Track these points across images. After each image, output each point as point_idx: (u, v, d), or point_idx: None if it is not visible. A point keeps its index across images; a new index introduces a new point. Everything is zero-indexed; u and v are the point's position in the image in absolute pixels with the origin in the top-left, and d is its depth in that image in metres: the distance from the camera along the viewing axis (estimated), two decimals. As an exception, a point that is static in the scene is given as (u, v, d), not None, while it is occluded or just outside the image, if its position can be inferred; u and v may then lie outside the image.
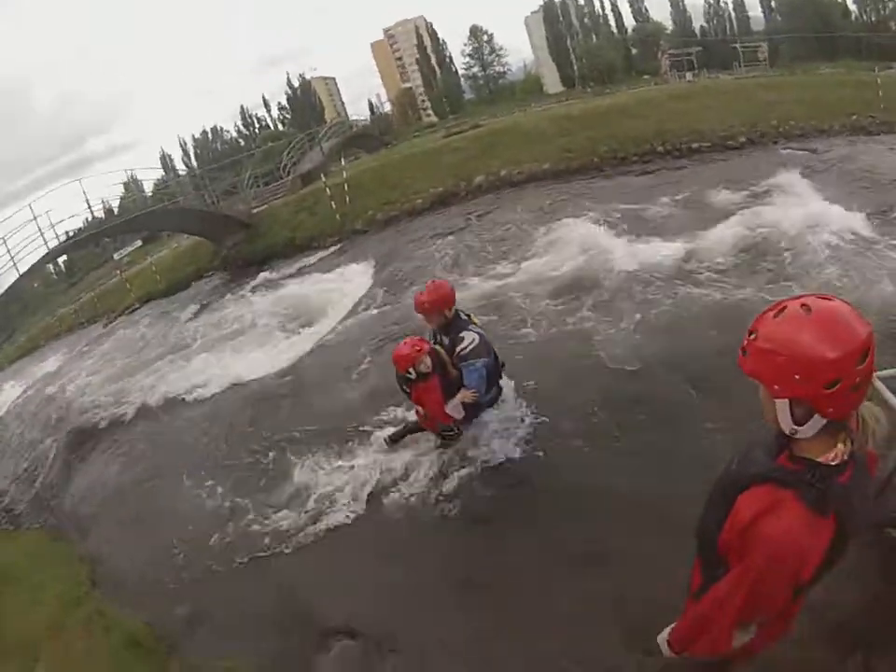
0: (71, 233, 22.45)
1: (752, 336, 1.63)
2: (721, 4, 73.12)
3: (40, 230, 17.66)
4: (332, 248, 17.81)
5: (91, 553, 6.48)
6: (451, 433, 5.44)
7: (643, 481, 4.64)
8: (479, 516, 4.84)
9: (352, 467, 5.83)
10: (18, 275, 17.49)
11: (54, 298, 50.13)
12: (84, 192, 20.40)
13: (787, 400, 1.61)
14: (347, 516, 5.25)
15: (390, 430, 6.04)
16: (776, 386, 1.59)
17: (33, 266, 18.01)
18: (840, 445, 1.64)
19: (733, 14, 73.18)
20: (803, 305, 1.56)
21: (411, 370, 5.00)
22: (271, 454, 6.83)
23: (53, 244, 18.08)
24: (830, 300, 1.59)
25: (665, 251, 9.28)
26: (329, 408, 7.37)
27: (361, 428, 6.42)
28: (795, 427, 1.63)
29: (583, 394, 5.98)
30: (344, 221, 18.81)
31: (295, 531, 5.30)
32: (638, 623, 3.42)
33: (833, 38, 59.50)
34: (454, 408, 5.09)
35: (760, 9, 71.85)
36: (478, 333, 5.15)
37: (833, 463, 1.63)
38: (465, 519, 4.88)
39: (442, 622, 4.04)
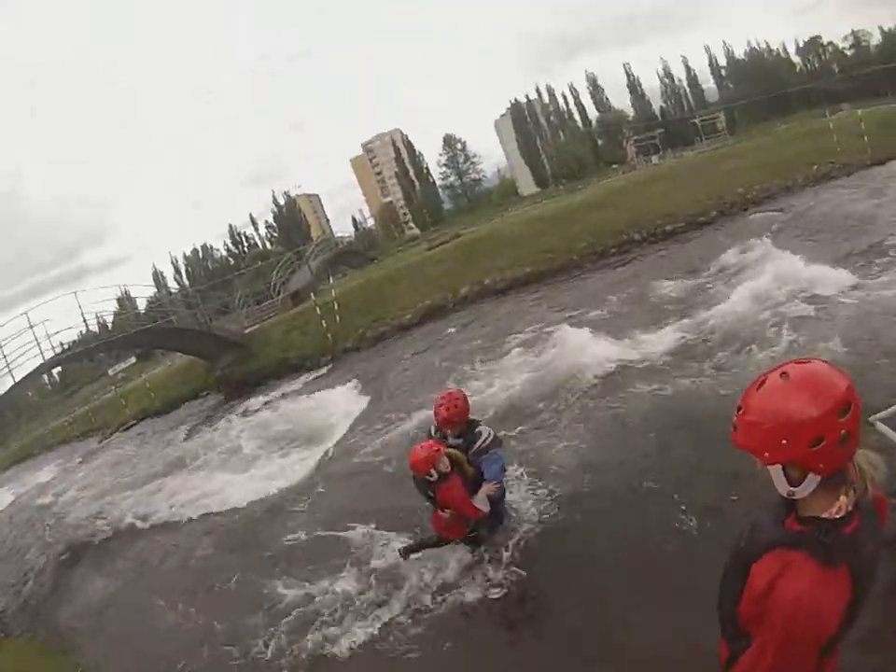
0: (66, 345, 23.07)
1: (741, 411, 1.69)
2: (676, 81, 77.36)
3: (36, 339, 17.99)
4: (324, 368, 18.08)
5: (83, 664, 6.54)
6: (475, 534, 5.43)
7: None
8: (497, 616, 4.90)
9: (343, 589, 5.80)
10: (13, 382, 17.67)
11: (48, 408, 50.14)
12: (79, 305, 20.78)
13: (779, 466, 1.66)
14: (341, 640, 5.19)
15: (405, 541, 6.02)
16: (766, 454, 1.65)
17: (29, 374, 18.23)
18: (842, 497, 1.67)
19: (688, 90, 77.28)
20: (782, 374, 1.64)
21: (431, 471, 5.00)
22: (256, 578, 6.79)
23: (49, 354, 18.45)
24: (807, 362, 1.67)
25: (643, 346, 9.58)
26: (319, 531, 7.38)
27: (354, 553, 6.43)
28: (792, 490, 1.67)
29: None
30: (335, 340, 19.18)
31: (281, 657, 5.28)
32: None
33: (782, 95, 62.82)
34: (481, 501, 5.12)
35: (712, 81, 76.60)
36: (489, 428, 5.44)
37: (837, 516, 1.66)
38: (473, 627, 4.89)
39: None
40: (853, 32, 70.06)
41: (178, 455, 14.20)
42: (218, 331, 22.86)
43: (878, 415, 3.97)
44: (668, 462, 6.07)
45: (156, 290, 66.21)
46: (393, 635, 5.05)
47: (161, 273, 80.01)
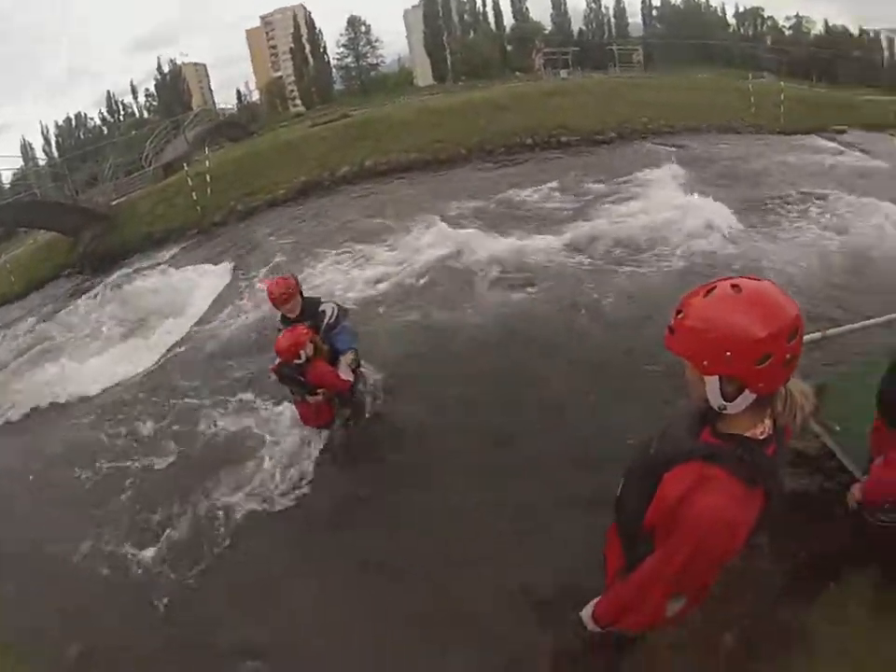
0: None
1: (680, 315, 1.64)
2: (603, 9, 75.19)
3: None
4: (191, 241, 17.29)
5: None
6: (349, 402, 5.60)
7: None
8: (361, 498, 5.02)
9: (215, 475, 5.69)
10: None
11: None
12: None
13: (717, 377, 1.62)
14: (218, 529, 5.10)
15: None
16: (705, 363, 1.61)
17: None
18: (767, 420, 1.69)
19: (612, 20, 75.27)
20: (733, 286, 1.59)
21: (301, 353, 4.94)
22: (126, 467, 6.45)
23: None
24: (759, 280, 1.63)
25: (527, 244, 9.69)
26: (186, 414, 7.08)
27: (224, 430, 6.37)
28: (725, 403, 1.65)
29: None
30: (204, 213, 18.30)
31: (168, 549, 5.07)
32: (550, 598, 3.72)
33: (708, 46, 62.77)
34: (345, 372, 5.19)
35: (640, 17, 74.85)
36: (331, 302, 5.44)
37: (760, 437, 1.68)
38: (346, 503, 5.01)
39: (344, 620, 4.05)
40: (797, 15, 69.91)
41: (32, 341, 13.23)
42: (84, 204, 21.26)
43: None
44: (529, 358, 6.18)
45: (23, 164, 61.02)
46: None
47: (30, 144, 72.69)
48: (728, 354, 1.55)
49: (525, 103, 21.59)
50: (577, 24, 75.69)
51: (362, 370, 5.77)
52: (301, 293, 5.35)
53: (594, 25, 74.99)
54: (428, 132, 19.72)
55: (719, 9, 72.33)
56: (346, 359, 5.23)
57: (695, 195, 10.64)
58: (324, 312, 5.30)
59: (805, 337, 3.85)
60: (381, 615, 3.99)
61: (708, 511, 1.62)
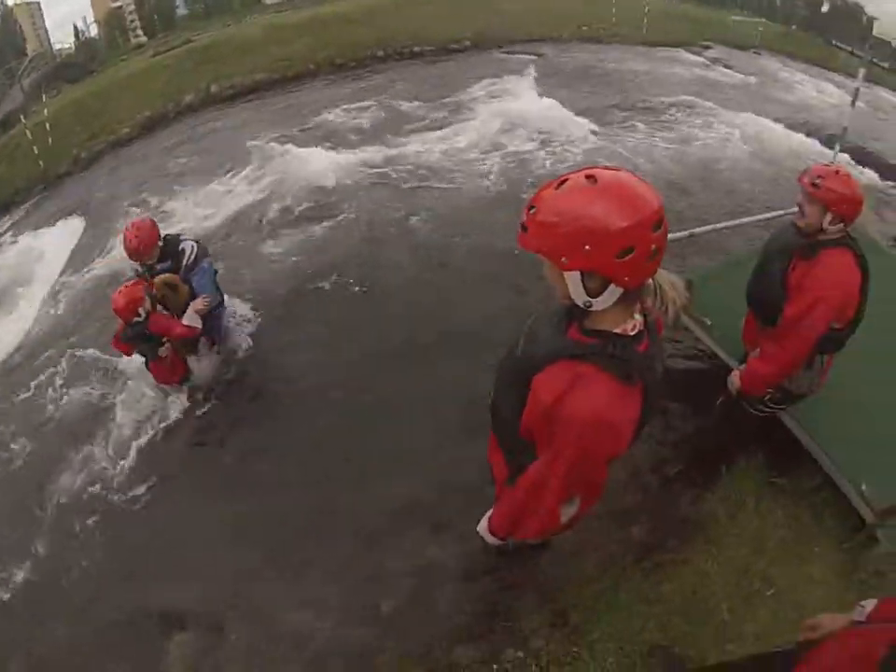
0: None
1: (532, 210, 1.53)
2: None
3: None
4: (37, 198, 15.99)
5: None
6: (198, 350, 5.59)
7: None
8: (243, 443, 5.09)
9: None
10: None
11: None
12: None
13: (578, 273, 1.54)
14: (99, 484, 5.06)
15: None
16: (563, 259, 1.51)
17: None
18: (636, 316, 1.65)
19: None
20: (588, 177, 1.49)
21: (140, 311, 4.79)
22: None
23: None
24: (616, 169, 1.54)
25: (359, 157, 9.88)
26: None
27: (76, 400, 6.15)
28: (590, 300, 1.58)
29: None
30: (48, 166, 16.97)
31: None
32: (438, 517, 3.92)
33: None
34: (191, 319, 5.00)
35: None
36: (192, 240, 5.25)
37: (631, 333, 1.63)
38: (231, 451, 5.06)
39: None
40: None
41: None
42: None
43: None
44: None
45: None
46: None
47: None
48: (587, 248, 1.47)
49: (377, 16, 21.15)
50: None
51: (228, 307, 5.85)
52: (160, 235, 5.13)
53: None
54: (275, 49, 19.09)
55: None
56: (195, 305, 5.04)
57: (547, 100, 10.73)
58: (183, 251, 5.14)
59: (672, 235, 4.18)
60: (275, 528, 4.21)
61: (586, 411, 1.58)
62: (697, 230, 5.03)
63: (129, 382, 5.85)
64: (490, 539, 2.20)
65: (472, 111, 11.55)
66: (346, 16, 21.57)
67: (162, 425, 5.37)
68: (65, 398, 6.14)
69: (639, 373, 1.61)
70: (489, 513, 2.22)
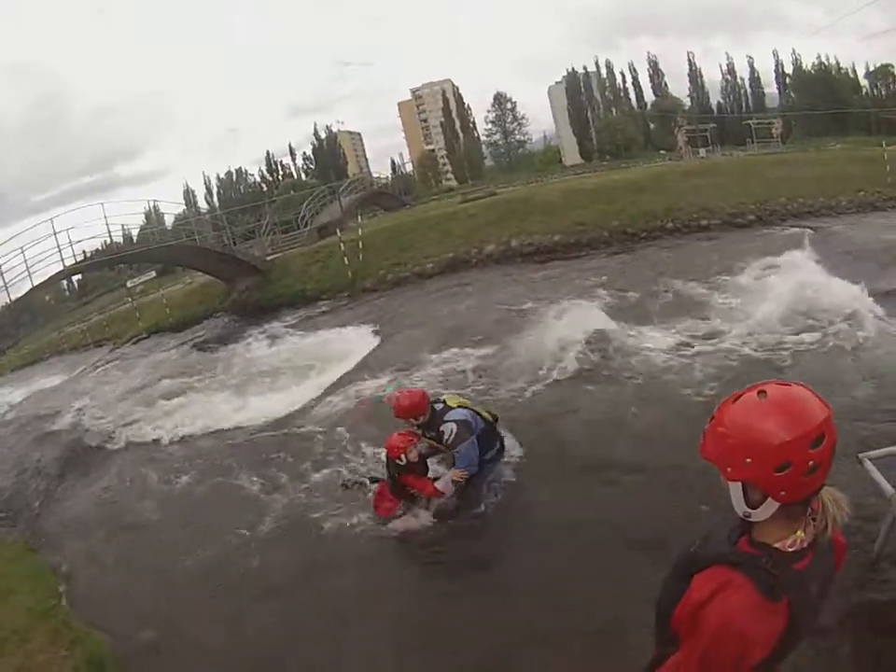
0: (89, 254, 23.15)
1: (712, 421, 1.66)
2: (738, 80, 75.11)
3: (58, 246, 17.98)
4: (340, 304, 18.06)
5: (65, 568, 6.71)
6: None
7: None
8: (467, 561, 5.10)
9: (337, 513, 6.10)
10: (31, 286, 17.96)
11: (64, 315, 50.78)
12: (105, 216, 20.85)
13: (740, 483, 1.61)
14: (329, 561, 5.45)
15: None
16: (728, 469, 1.61)
17: (47, 279, 18.45)
18: (800, 532, 1.64)
19: (749, 91, 75.07)
20: (760, 391, 1.59)
21: (402, 456, 5.46)
22: (253, 495, 7.12)
23: (70, 261, 18.46)
24: (788, 385, 1.62)
25: (658, 337, 9.47)
26: (314, 458, 7.59)
27: (343, 481, 6.64)
28: (749, 510, 1.63)
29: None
30: (355, 279, 19.06)
31: (270, 571, 5.53)
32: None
33: (844, 114, 61.12)
34: (445, 484, 5.51)
35: (775, 86, 74.10)
36: (454, 421, 5.54)
37: (789, 549, 1.63)
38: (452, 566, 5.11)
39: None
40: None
41: (186, 372, 14.40)
42: (241, 255, 22.73)
43: (869, 454, 3.87)
44: (654, 459, 5.98)
45: (185, 208, 66.02)
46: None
47: (193, 191, 79.40)
48: (748, 460, 1.55)
49: (665, 185, 21.37)
50: (714, 97, 75.95)
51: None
52: (429, 405, 5.68)
53: (731, 98, 74.97)
54: (572, 213, 19.75)
55: (850, 70, 70.17)
56: (454, 474, 5.49)
57: (832, 279, 9.96)
58: (443, 432, 5.56)
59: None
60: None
61: (721, 617, 1.58)
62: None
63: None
64: None
65: (743, 291, 10.88)
66: (636, 183, 22.07)
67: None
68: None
69: (787, 591, 1.57)
70: None
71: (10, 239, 17.92)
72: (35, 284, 18.00)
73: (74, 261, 18.85)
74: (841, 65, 69.75)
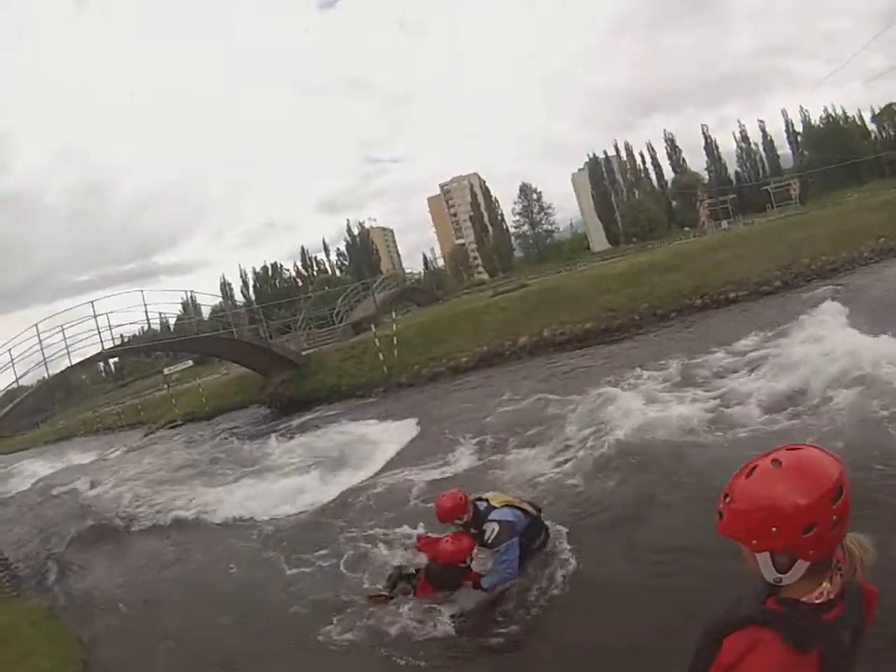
0: (127, 338, 23.83)
1: (727, 499, 1.65)
2: (752, 146, 76.94)
3: (98, 328, 18.66)
4: (376, 399, 18.31)
5: (88, 637, 6.81)
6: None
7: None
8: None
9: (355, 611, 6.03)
10: (69, 364, 18.56)
11: (100, 396, 51.85)
12: (144, 302, 21.49)
13: (767, 553, 1.62)
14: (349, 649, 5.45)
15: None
16: (754, 542, 1.61)
17: (86, 359, 19.27)
18: (826, 584, 1.64)
19: (763, 155, 76.86)
20: (773, 461, 1.61)
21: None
22: (278, 590, 7.06)
23: (108, 344, 19.15)
24: (799, 448, 1.65)
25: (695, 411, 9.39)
26: (341, 553, 7.51)
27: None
28: (780, 576, 1.64)
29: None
30: (390, 373, 19.36)
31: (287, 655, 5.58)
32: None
33: (857, 163, 61.55)
34: (490, 584, 5.53)
35: (788, 147, 75.75)
36: (497, 521, 5.58)
37: (817, 601, 1.63)
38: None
39: None
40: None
41: (217, 460, 14.71)
42: (277, 349, 23.28)
43: None
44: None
45: (221, 300, 67.60)
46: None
47: (229, 284, 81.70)
48: (774, 530, 1.56)
49: (689, 261, 21.59)
50: (731, 166, 77.61)
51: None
52: (474, 503, 5.76)
53: (747, 165, 76.67)
54: (601, 298, 19.98)
55: (856, 117, 71.33)
56: (495, 581, 5.52)
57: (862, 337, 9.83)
58: (485, 530, 5.58)
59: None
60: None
61: None
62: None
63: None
64: None
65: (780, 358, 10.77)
66: (661, 264, 22.22)
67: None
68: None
69: (817, 643, 1.58)
70: None
71: (51, 316, 19.06)
72: (74, 363, 18.65)
73: (112, 344, 19.61)
74: (848, 114, 71.57)
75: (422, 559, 5.96)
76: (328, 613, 6.02)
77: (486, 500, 5.86)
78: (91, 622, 7.25)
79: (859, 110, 72.06)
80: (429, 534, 6.08)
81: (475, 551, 5.53)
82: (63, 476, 17.96)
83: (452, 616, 5.57)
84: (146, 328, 28.38)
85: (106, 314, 19.19)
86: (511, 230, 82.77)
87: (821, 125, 72.13)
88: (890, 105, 69.64)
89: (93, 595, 8.17)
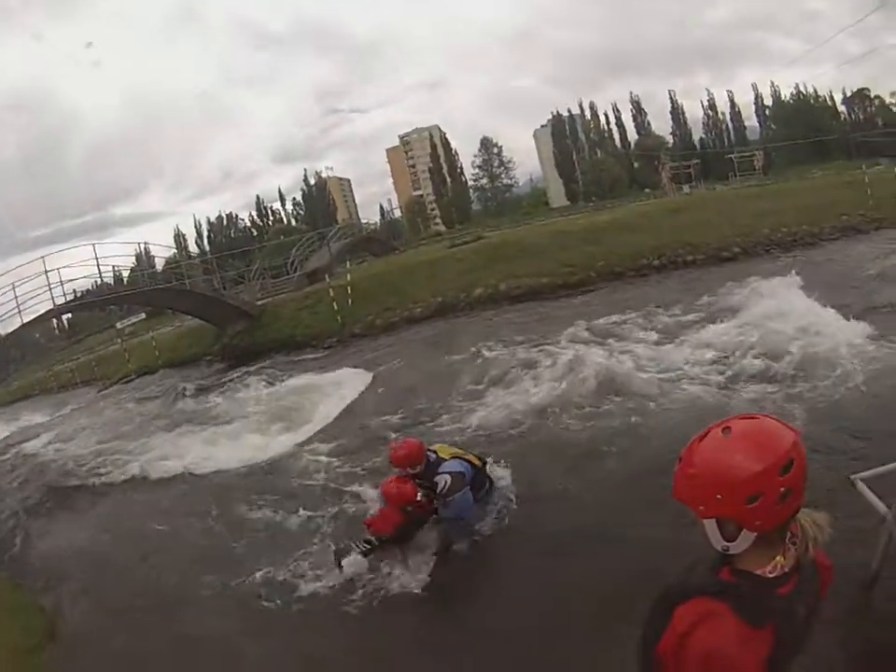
0: (80, 293, 23.26)
1: (680, 463, 1.66)
2: (720, 115, 77.33)
3: (49, 284, 18.21)
4: (329, 349, 18.23)
5: (51, 605, 6.70)
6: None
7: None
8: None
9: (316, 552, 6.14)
10: (21, 323, 18.13)
11: (53, 353, 50.76)
12: (96, 256, 21.03)
13: (714, 520, 1.62)
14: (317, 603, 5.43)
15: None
16: (700, 507, 1.62)
17: (37, 317, 18.71)
18: (779, 557, 1.64)
19: (730, 125, 77.42)
20: (724, 428, 1.60)
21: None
22: (230, 540, 7.09)
23: (60, 300, 18.73)
24: (753, 418, 1.64)
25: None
26: (295, 506, 7.49)
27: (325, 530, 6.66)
28: (726, 544, 1.63)
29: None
30: (344, 324, 19.26)
31: (254, 615, 5.50)
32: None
33: (824, 141, 62.40)
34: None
35: (755, 119, 76.45)
36: (449, 472, 5.65)
37: (770, 575, 1.62)
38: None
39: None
40: (903, 89, 69.08)
41: (170, 414, 14.58)
42: (231, 300, 22.99)
43: (860, 474, 3.87)
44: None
45: (175, 252, 66.24)
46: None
47: (184, 235, 79.80)
48: (718, 497, 1.56)
49: (650, 222, 21.76)
50: (697, 133, 77.92)
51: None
52: (425, 457, 5.78)
53: (713, 133, 77.26)
54: (558, 255, 20.00)
55: (827, 98, 72.27)
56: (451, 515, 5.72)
57: (814, 306, 10.06)
58: (437, 483, 5.63)
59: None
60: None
61: (706, 647, 1.57)
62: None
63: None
64: None
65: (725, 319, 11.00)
66: (622, 224, 22.37)
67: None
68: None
69: (771, 616, 1.58)
70: None
71: (3, 274, 18.25)
72: (25, 321, 18.20)
73: (64, 300, 19.14)
74: (819, 94, 72.12)
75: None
76: (292, 571, 5.95)
77: (435, 452, 5.92)
78: (54, 589, 7.10)
79: (830, 91, 72.62)
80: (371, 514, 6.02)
81: (420, 496, 5.53)
82: (16, 438, 17.69)
83: (406, 567, 5.60)
84: (98, 282, 27.63)
85: (58, 269, 18.70)
86: (470, 183, 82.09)
87: (791, 101, 72.54)
88: (863, 89, 70.51)
89: (54, 561, 7.99)
